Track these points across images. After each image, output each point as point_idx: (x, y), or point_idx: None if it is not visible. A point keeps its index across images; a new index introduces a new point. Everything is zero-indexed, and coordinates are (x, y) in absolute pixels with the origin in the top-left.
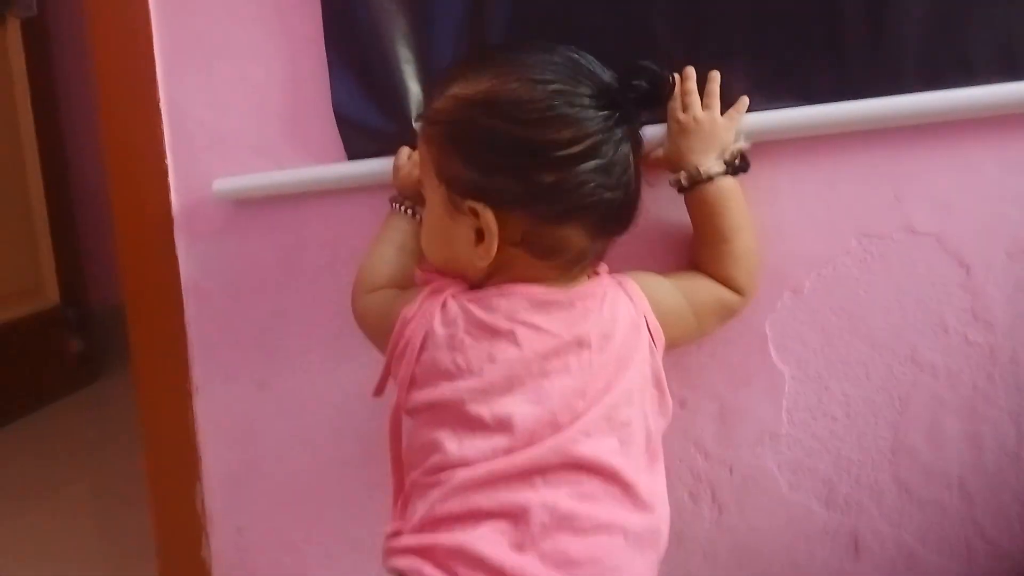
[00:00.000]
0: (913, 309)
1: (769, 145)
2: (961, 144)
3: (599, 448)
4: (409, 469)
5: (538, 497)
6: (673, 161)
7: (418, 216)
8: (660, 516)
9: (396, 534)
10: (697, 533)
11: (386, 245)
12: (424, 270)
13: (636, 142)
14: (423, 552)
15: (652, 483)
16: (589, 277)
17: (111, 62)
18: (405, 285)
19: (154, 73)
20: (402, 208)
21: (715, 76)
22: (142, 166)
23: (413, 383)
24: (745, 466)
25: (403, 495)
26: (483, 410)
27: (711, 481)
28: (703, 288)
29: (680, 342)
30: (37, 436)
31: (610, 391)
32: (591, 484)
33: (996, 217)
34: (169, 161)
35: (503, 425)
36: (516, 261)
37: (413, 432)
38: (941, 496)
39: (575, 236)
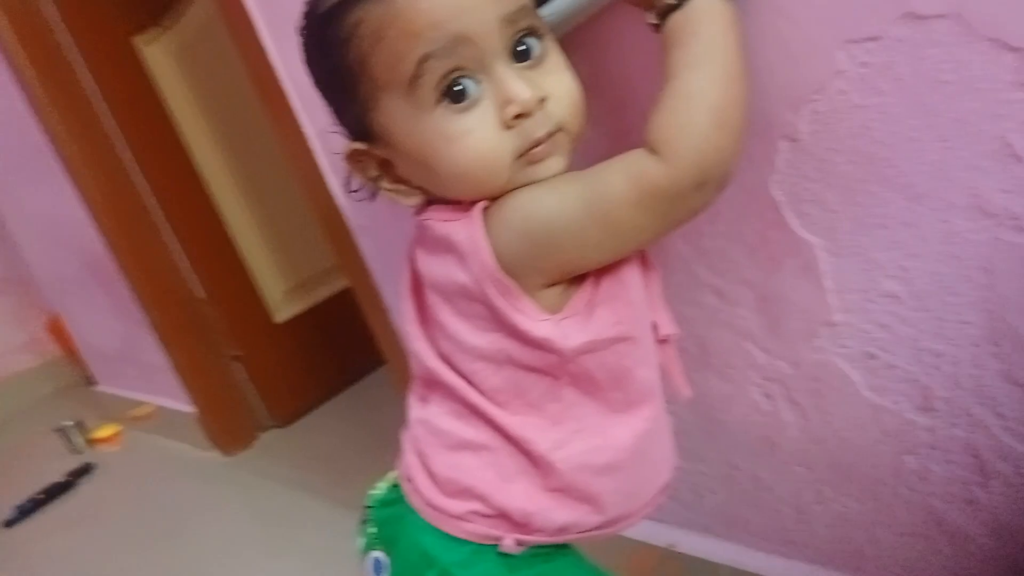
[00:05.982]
0: (956, 134)
1: None
2: None
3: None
4: None
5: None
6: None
7: None
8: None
9: None
10: (787, 442)
11: None
12: None
13: None
14: None
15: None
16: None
17: None
18: None
19: None
20: None
21: None
22: None
23: None
24: (810, 364)
25: None
26: None
27: (781, 380)
28: (612, 174)
29: (589, 261)
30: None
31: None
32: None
33: None
34: None
35: None
36: None
37: None
38: None
39: None
